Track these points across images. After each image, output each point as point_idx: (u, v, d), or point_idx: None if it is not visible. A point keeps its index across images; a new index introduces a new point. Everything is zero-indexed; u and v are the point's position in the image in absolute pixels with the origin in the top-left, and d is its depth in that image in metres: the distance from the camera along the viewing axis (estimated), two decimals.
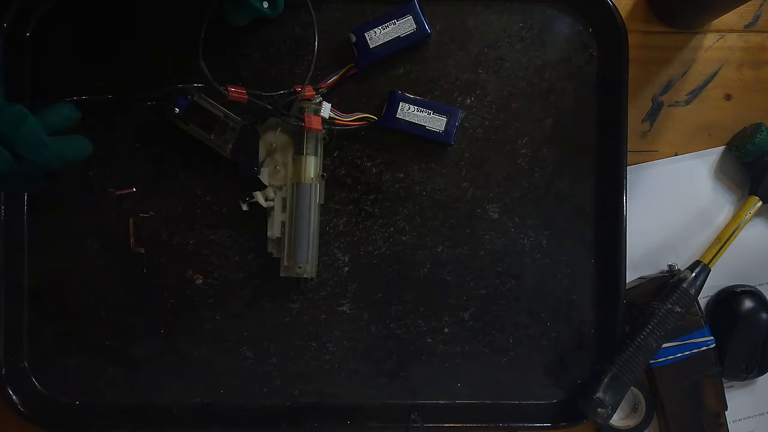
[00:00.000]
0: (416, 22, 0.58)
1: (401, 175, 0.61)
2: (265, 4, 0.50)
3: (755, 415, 0.65)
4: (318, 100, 0.57)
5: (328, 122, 0.57)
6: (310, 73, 0.55)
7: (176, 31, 0.59)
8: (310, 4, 0.54)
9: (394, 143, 0.60)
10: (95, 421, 0.61)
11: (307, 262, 0.57)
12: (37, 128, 0.49)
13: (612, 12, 0.59)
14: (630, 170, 0.61)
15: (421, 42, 0.59)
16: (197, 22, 0.55)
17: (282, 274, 0.58)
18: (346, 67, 0.59)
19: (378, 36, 0.58)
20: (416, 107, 0.58)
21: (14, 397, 0.59)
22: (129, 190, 0.59)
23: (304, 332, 0.61)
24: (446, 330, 0.62)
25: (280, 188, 0.58)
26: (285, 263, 0.57)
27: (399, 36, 0.58)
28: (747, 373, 0.62)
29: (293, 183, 0.57)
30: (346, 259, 0.61)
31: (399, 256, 0.61)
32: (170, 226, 0.60)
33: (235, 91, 0.55)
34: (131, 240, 0.59)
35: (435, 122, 0.58)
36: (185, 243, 0.60)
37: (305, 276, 0.57)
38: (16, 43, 0.58)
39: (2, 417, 0.60)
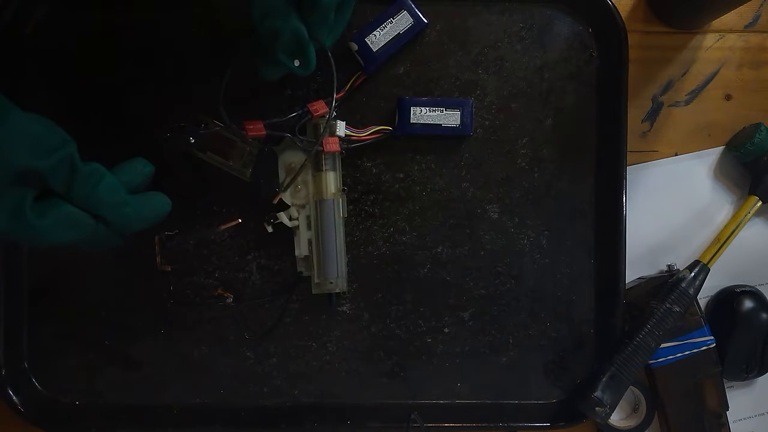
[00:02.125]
0: (412, 16, 0.58)
1: (401, 175, 0.61)
2: (297, 62, 0.49)
3: (755, 415, 0.65)
4: (332, 115, 0.57)
5: (345, 140, 0.57)
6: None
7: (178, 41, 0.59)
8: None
9: (394, 143, 0.60)
10: (95, 421, 0.61)
11: (337, 277, 0.57)
12: (116, 186, 0.46)
13: (612, 12, 0.59)
14: (630, 170, 0.61)
15: (420, 34, 0.59)
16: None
17: (314, 292, 0.58)
18: (355, 76, 0.58)
19: (379, 38, 0.58)
20: (428, 108, 0.58)
21: (14, 397, 0.59)
22: (236, 222, 0.58)
23: (304, 332, 0.61)
24: (446, 330, 0.62)
25: (303, 207, 0.58)
26: (316, 280, 0.57)
27: (399, 33, 0.58)
28: (747, 373, 0.62)
29: (316, 200, 0.57)
30: (347, 260, 0.60)
31: (399, 256, 0.61)
32: (169, 226, 0.60)
33: (253, 128, 0.54)
34: (158, 258, 0.59)
35: (450, 118, 0.58)
36: (185, 243, 0.60)
37: (337, 291, 0.58)
38: (15, 43, 0.58)
39: (2, 417, 0.60)
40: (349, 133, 0.57)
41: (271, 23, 0.47)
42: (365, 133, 0.58)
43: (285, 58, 0.49)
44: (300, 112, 0.56)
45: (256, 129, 0.55)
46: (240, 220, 0.58)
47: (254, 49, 0.51)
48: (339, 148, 0.56)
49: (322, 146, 0.56)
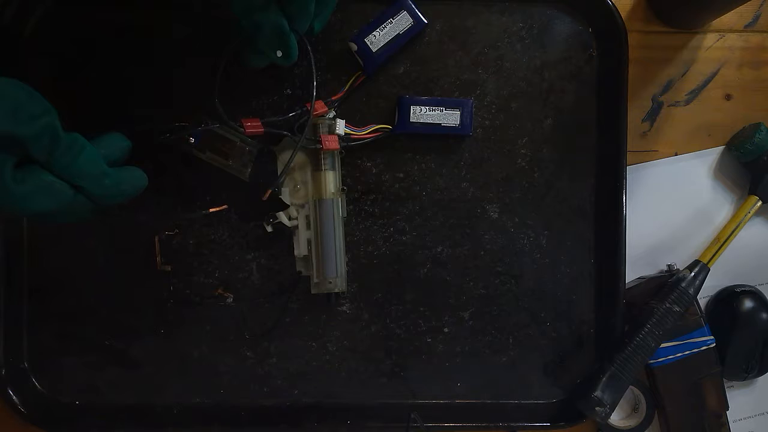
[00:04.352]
0: (412, 16, 0.58)
1: (401, 175, 0.61)
2: (279, 53, 0.51)
3: (755, 415, 0.65)
4: (332, 115, 0.57)
5: (344, 139, 0.57)
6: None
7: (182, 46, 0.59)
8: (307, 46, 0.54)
9: (394, 143, 0.60)
10: (95, 421, 0.61)
11: (336, 277, 0.57)
12: (97, 157, 0.46)
13: (612, 12, 0.59)
14: (630, 170, 0.61)
15: (420, 34, 0.59)
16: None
17: (313, 292, 0.58)
18: (354, 76, 0.59)
19: (378, 39, 0.58)
20: (428, 107, 0.58)
21: (14, 397, 0.59)
22: (222, 207, 0.57)
23: (304, 332, 0.61)
24: (446, 330, 0.62)
25: (302, 206, 0.58)
26: (315, 280, 0.57)
27: (398, 33, 0.58)
28: (747, 373, 0.62)
29: (315, 200, 0.57)
30: (347, 259, 0.60)
31: (399, 256, 0.61)
32: (169, 226, 0.60)
33: (251, 125, 0.54)
34: (158, 258, 0.59)
35: (449, 118, 0.58)
36: (185, 243, 0.60)
37: (336, 290, 0.58)
38: (15, 43, 0.58)
39: (2, 417, 0.60)
40: (348, 131, 0.57)
41: (252, 17, 0.48)
42: (364, 132, 0.58)
43: (267, 50, 0.50)
44: (299, 111, 0.56)
45: (254, 126, 0.55)
46: (226, 206, 0.57)
47: (240, 40, 0.52)
48: (338, 146, 0.57)
49: (321, 143, 0.56)
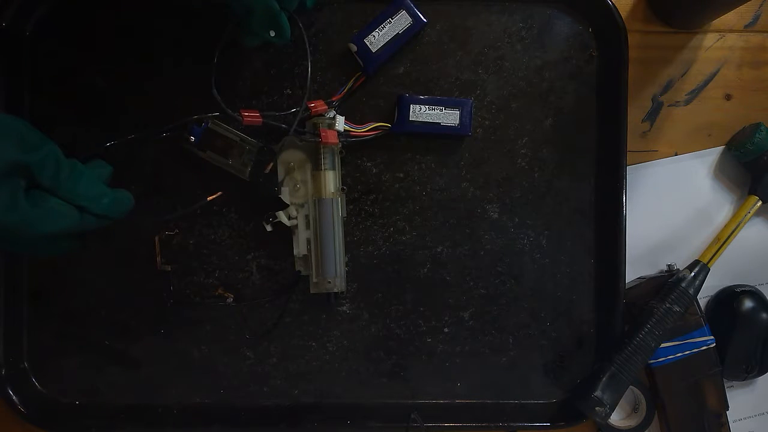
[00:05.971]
0: (411, 15, 0.58)
1: (401, 175, 0.61)
2: (272, 33, 0.52)
3: (755, 415, 0.65)
4: (332, 114, 0.57)
5: (343, 135, 0.57)
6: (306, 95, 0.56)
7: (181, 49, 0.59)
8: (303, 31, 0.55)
9: (394, 143, 0.60)
10: (95, 421, 0.61)
11: (336, 277, 0.57)
12: (95, 179, 0.49)
13: (612, 12, 0.59)
14: (630, 170, 0.61)
15: (420, 33, 0.59)
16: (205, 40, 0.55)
17: (312, 291, 0.58)
18: (355, 76, 0.59)
19: (378, 39, 0.58)
20: (427, 107, 0.58)
21: (14, 397, 0.59)
22: (218, 195, 0.57)
23: (304, 332, 0.61)
24: (446, 330, 0.62)
25: (302, 206, 0.58)
26: (314, 280, 0.58)
27: (398, 33, 0.58)
28: (747, 373, 0.62)
29: (314, 199, 0.57)
30: (346, 259, 0.60)
31: (399, 256, 0.61)
32: (170, 226, 0.60)
33: (249, 116, 0.54)
34: (158, 258, 0.59)
35: (449, 117, 0.58)
36: (185, 243, 0.60)
37: (335, 290, 0.58)
38: (15, 43, 0.58)
39: (2, 417, 0.60)
40: (347, 128, 0.57)
41: (244, 2, 0.49)
42: (364, 129, 0.58)
43: (261, 31, 0.51)
44: (299, 109, 0.56)
45: (252, 117, 0.55)
46: (221, 192, 0.57)
47: (233, 22, 0.53)
48: (337, 141, 0.56)
49: (321, 137, 0.56)
